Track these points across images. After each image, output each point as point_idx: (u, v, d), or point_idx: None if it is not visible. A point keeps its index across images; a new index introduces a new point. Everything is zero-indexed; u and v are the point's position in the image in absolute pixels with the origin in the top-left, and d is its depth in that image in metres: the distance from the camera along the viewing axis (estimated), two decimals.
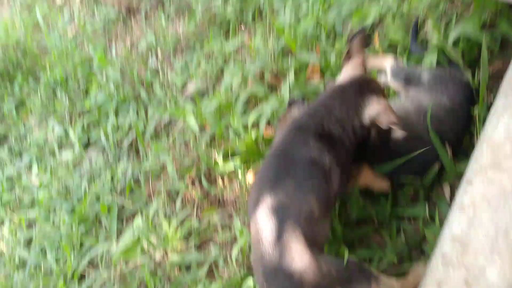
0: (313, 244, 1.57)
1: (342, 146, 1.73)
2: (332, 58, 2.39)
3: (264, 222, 1.60)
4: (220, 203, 2.34)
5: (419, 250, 1.83)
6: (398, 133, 1.80)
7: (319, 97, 1.87)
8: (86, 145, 3.00)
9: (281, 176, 1.67)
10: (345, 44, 2.34)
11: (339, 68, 2.35)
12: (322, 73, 2.44)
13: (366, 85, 1.77)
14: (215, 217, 2.26)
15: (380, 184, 1.91)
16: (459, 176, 1.79)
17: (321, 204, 1.64)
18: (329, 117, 1.73)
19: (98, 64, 3.25)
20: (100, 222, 2.53)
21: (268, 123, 2.40)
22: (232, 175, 2.33)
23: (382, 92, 1.80)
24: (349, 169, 1.81)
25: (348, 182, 1.84)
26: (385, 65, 2.15)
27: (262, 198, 1.64)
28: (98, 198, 2.60)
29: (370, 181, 1.91)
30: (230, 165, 2.32)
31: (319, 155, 1.68)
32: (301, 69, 2.50)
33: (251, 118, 2.39)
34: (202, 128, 2.62)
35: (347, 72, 1.87)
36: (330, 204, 1.72)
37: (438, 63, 2.07)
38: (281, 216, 1.58)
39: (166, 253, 2.22)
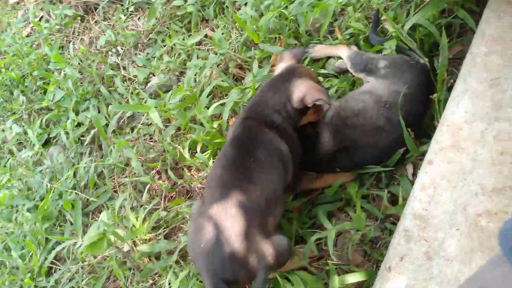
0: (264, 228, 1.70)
1: (287, 133, 1.87)
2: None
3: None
4: (188, 192, 2.40)
5: (383, 227, 1.94)
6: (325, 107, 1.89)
7: (258, 91, 2.00)
8: (47, 143, 3.01)
9: (241, 164, 1.77)
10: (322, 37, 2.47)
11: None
12: None
13: (292, 71, 1.94)
14: (183, 207, 2.31)
15: (345, 179, 2.03)
16: (422, 156, 1.93)
17: (278, 190, 1.79)
18: (267, 107, 1.88)
19: (54, 62, 3.25)
20: (65, 217, 2.55)
21: (234, 112, 2.50)
22: (199, 165, 2.39)
23: (308, 74, 1.94)
24: (298, 164, 1.93)
25: (298, 179, 1.97)
26: (339, 54, 2.30)
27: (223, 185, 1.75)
28: (61, 195, 2.61)
29: (334, 182, 2.02)
30: (197, 157, 2.38)
31: (276, 141, 1.82)
32: (265, 60, 2.59)
33: (214, 109, 2.47)
34: (167, 121, 2.68)
35: (280, 68, 2.04)
36: (283, 192, 1.85)
37: (397, 51, 2.20)
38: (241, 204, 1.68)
39: (135, 244, 2.26)
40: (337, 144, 1.97)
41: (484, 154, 1.62)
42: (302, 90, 1.83)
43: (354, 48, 2.28)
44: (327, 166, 2.00)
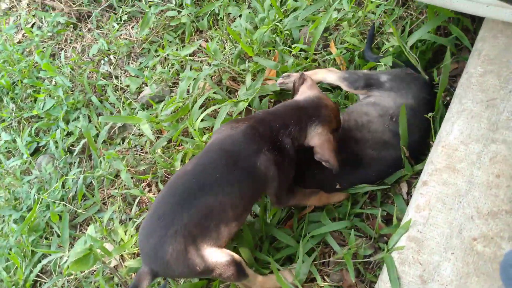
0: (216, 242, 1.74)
1: (287, 155, 1.81)
2: (289, 62, 2.46)
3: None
4: None
5: (377, 247, 1.89)
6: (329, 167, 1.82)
7: (279, 108, 1.91)
8: (36, 152, 2.94)
9: (212, 171, 1.75)
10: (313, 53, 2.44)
11: (297, 70, 2.44)
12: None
13: (319, 111, 1.85)
14: None
15: (338, 198, 1.99)
16: (417, 174, 1.90)
17: (238, 207, 1.77)
18: (285, 128, 1.80)
19: (45, 71, 3.18)
20: (52, 230, 2.48)
21: None
22: None
23: (330, 120, 1.85)
24: (290, 182, 1.89)
25: (291, 193, 1.92)
26: (323, 79, 2.24)
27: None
28: (48, 206, 2.54)
29: (324, 203, 1.99)
30: None
31: (265, 166, 1.76)
32: (258, 72, 2.55)
33: (207, 122, 2.43)
34: (159, 132, 2.63)
35: (305, 93, 1.94)
36: (248, 210, 1.87)
37: (392, 67, 2.17)
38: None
39: (123, 258, 2.19)
40: (341, 158, 1.90)
41: (480, 176, 1.59)
42: (316, 142, 1.80)
43: (335, 70, 2.22)
44: (329, 181, 1.94)
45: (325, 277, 1.85)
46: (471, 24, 2.15)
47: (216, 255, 1.71)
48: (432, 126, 1.90)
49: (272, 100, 2.48)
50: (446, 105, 1.93)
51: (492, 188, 1.55)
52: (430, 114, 1.84)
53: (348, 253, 1.79)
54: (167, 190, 1.81)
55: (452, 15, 2.09)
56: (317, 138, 1.80)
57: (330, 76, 2.21)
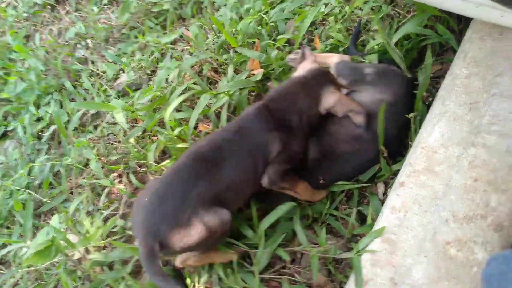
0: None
1: (296, 139, 1.88)
2: (273, 55, 2.45)
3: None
4: None
5: (350, 247, 1.89)
6: (358, 120, 1.90)
7: (283, 87, 1.99)
8: (3, 137, 2.90)
9: (226, 148, 1.82)
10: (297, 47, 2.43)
11: (280, 64, 2.43)
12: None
13: (325, 77, 1.99)
14: None
15: (318, 196, 2.00)
16: (394, 175, 1.90)
17: (253, 181, 1.83)
18: (293, 108, 1.89)
19: (17, 52, 3.14)
20: (14, 218, 2.44)
21: (206, 117, 2.44)
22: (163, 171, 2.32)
23: (337, 83, 2.02)
24: (289, 166, 1.89)
25: (284, 176, 1.90)
26: (330, 63, 2.24)
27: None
28: (12, 194, 2.50)
29: (308, 197, 1.99)
30: (164, 162, 2.31)
31: (274, 140, 1.82)
32: (241, 64, 2.54)
33: (184, 113, 2.42)
34: (134, 121, 2.60)
35: (304, 68, 2.04)
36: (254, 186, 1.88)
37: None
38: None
39: (88, 251, 2.16)
40: (318, 150, 1.95)
41: (458, 180, 1.60)
42: (333, 100, 1.91)
43: (346, 57, 2.22)
44: (312, 173, 1.95)
45: (296, 275, 1.84)
46: (457, 25, 2.17)
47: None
48: (412, 126, 1.91)
49: (253, 93, 2.48)
50: (428, 106, 1.94)
51: (469, 192, 1.56)
52: (411, 114, 1.84)
53: (317, 253, 1.79)
54: (183, 159, 1.84)
55: (437, 13, 2.11)
56: (333, 96, 1.91)
57: (333, 60, 2.22)
